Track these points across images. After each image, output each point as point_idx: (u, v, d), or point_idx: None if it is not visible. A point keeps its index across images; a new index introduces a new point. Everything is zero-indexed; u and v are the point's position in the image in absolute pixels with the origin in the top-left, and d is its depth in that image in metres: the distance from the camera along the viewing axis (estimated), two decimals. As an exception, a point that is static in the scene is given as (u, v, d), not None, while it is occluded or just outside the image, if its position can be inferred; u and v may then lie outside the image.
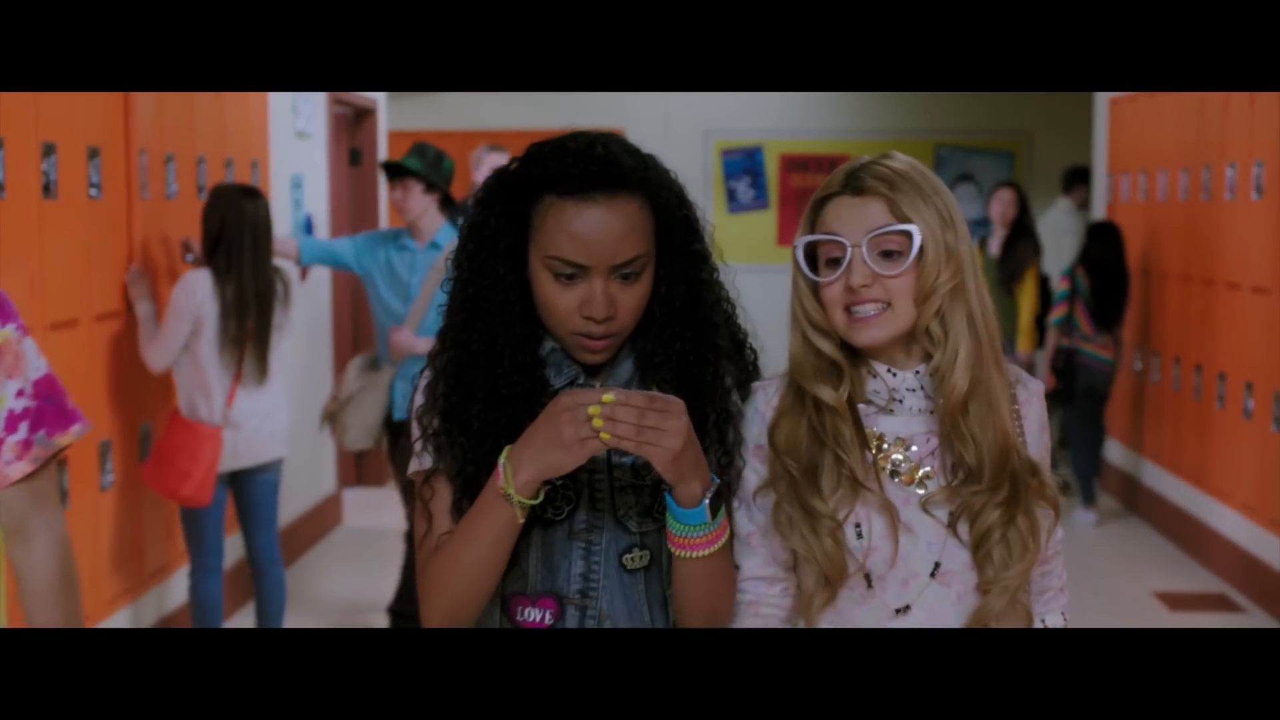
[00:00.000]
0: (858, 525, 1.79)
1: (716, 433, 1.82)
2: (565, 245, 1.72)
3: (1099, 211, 8.04)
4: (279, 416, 4.57)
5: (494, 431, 1.76)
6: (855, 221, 1.78)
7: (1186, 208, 6.68)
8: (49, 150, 3.94)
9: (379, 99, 7.82)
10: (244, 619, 5.14)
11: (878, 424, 1.83)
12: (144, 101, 4.63)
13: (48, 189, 3.94)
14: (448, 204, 5.05)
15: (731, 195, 10.50)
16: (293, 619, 4.97)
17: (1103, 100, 7.90)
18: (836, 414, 1.80)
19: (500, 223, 1.77)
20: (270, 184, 6.04)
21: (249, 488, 4.56)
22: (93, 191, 4.25)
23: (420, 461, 1.83)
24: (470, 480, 1.76)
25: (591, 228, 1.72)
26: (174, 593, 4.88)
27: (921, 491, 1.81)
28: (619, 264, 1.74)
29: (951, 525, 1.78)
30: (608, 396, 1.64)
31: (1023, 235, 7.36)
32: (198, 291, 4.28)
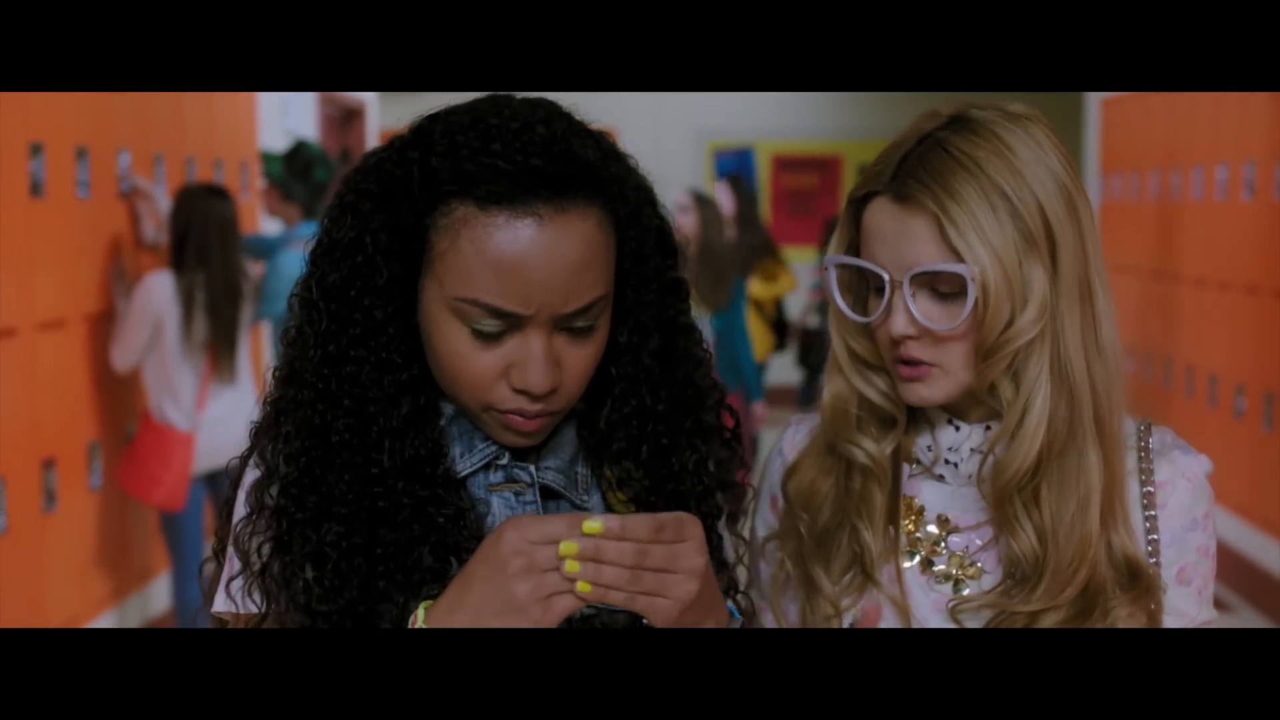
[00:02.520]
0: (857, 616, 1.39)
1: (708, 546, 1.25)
2: (489, 283, 1.14)
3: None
4: (250, 414, 4.48)
5: (364, 568, 1.17)
6: (897, 245, 1.28)
7: (1177, 207, 6.69)
8: (36, 150, 3.92)
9: (369, 99, 7.81)
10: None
11: (920, 491, 1.37)
12: (132, 101, 4.61)
13: (35, 189, 3.92)
14: (311, 215, 4.87)
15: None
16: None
17: (1094, 100, 7.91)
18: (871, 474, 1.36)
19: (382, 243, 1.17)
20: (260, 184, 6.04)
21: (224, 490, 4.53)
22: (80, 191, 4.23)
23: (237, 604, 1.22)
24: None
25: (532, 256, 1.14)
26: (161, 594, 4.87)
27: (952, 594, 1.34)
28: (570, 311, 1.16)
29: None
30: (591, 525, 1.07)
31: None
32: (156, 294, 4.20)
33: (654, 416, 1.25)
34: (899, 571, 1.36)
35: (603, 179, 1.17)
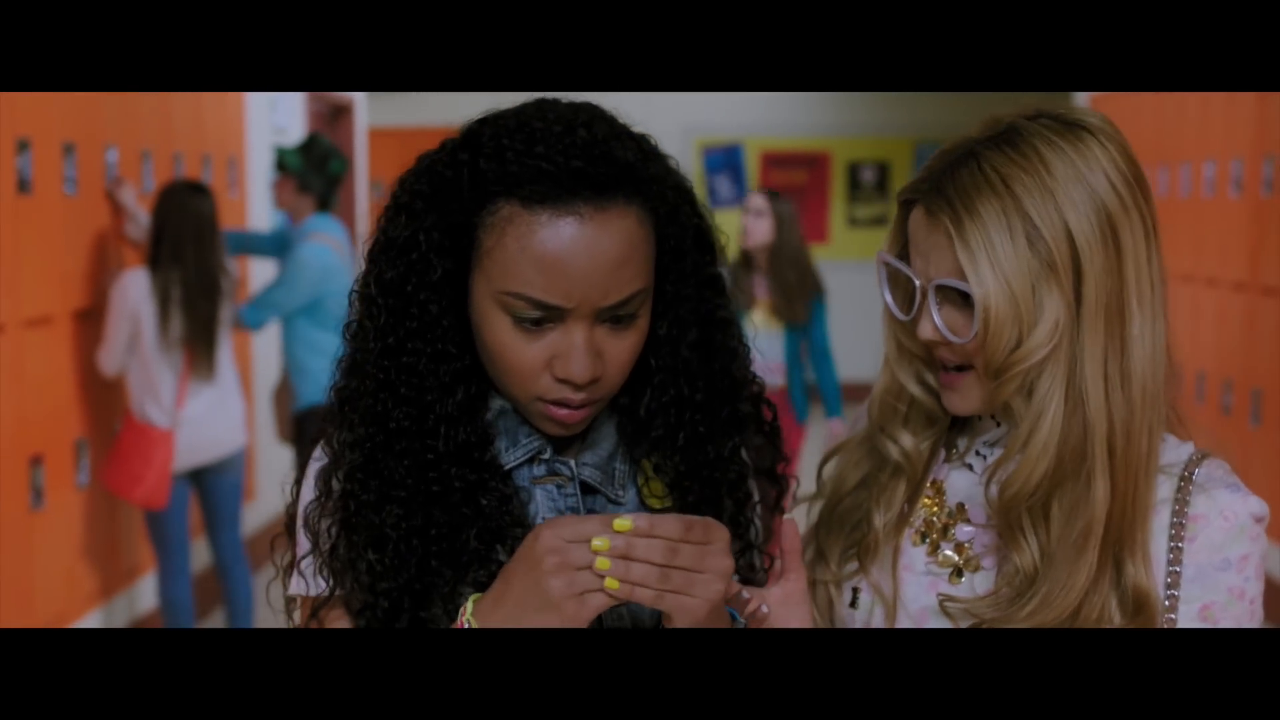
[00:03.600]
0: (856, 590, 1.42)
1: (737, 532, 1.34)
2: (533, 278, 1.20)
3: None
4: (232, 409, 4.48)
5: (420, 549, 1.25)
6: (925, 253, 1.31)
7: (1165, 204, 6.70)
8: (23, 146, 3.91)
9: (357, 96, 7.79)
10: (218, 621, 5.12)
11: (949, 476, 1.40)
12: (119, 98, 4.60)
13: (22, 185, 3.91)
14: (325, 207, 4.92)
15: (713, 192, 10.49)
16: (264, 621, 4.98)
17: (1083, 98, 7.92)
18: (901, 470, 1.39)
19: (435, 241, 1.24)
20: (247, 181, 6.02)
21: (210, 488, 4.53)
22: (67, 188, 4.22)
23: (307, 583, 1.29)
24: (385, 622, 1.25)
25: (573, 253, 1.19)
26: (149, 592, 4.86)
27: (948, 581, 1.37)
28: (611, 305, 1.22)
29: None
30: (622, 523, 1.12)
31: None
32: (132, 291, 4.19)
33: (691, 406, 1.31)
34: (899, 550, 1.38)
35: (642, 179, 1.24)
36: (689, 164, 10.21)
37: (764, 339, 5.04)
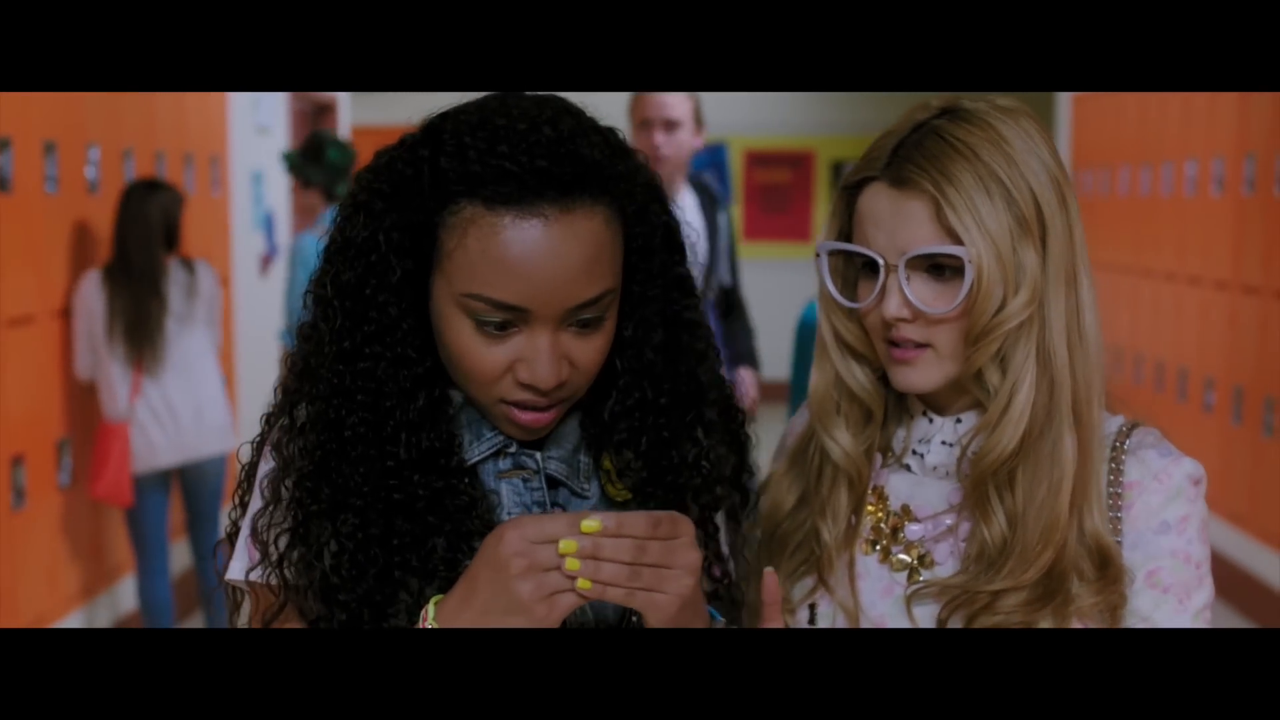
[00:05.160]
0: (813, 606, 1.39)
1: (702, 538, 1.29)
2: (495, 280, 1.16)
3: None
4: (215, 412, 4.44)
5: (380, 558, 1.20)
6: (892, 228, 1.29)
7: (1148, 203, 6.73)
8: (4, 145, 3.89)
9: (341, 95, 7.78)
10: (199, 622, 5.10)
11: (889, 481, 1.39)
12: (101, 96, 4.58)
13: (2, 184, 3.89)
14: (333, 199, 4.96)
15: (696, 190, 10.51)
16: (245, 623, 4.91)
17: (1065, 97, 7.95)
18: (842, 472, 1.38)
19: (394, 241, 1.20)
20: (230, 180, 6.00)
21: (189, 489, 4.50)
22: (49, 186, 4.20)
23: (253, 588, 1.26)
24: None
25: (538, 256, 1.16)
26: (131, 593, 4.84)
27: (908, 582, 1.35)
28: (577, 307, 1.18)
29: (942, 624, 1.31)
30: (590, 524, 1.09)
31: None
32: (84, 290, 4.24)
33: (655, 409, 1.27)
34: (852, 561, 1.37)
35: (609, 177, 1.19)
36: (673, 163, 10.22)
37: None
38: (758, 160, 10.56)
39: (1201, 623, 1.31)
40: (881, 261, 1.29)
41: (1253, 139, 5.44)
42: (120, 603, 4.79)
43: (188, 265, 4.38)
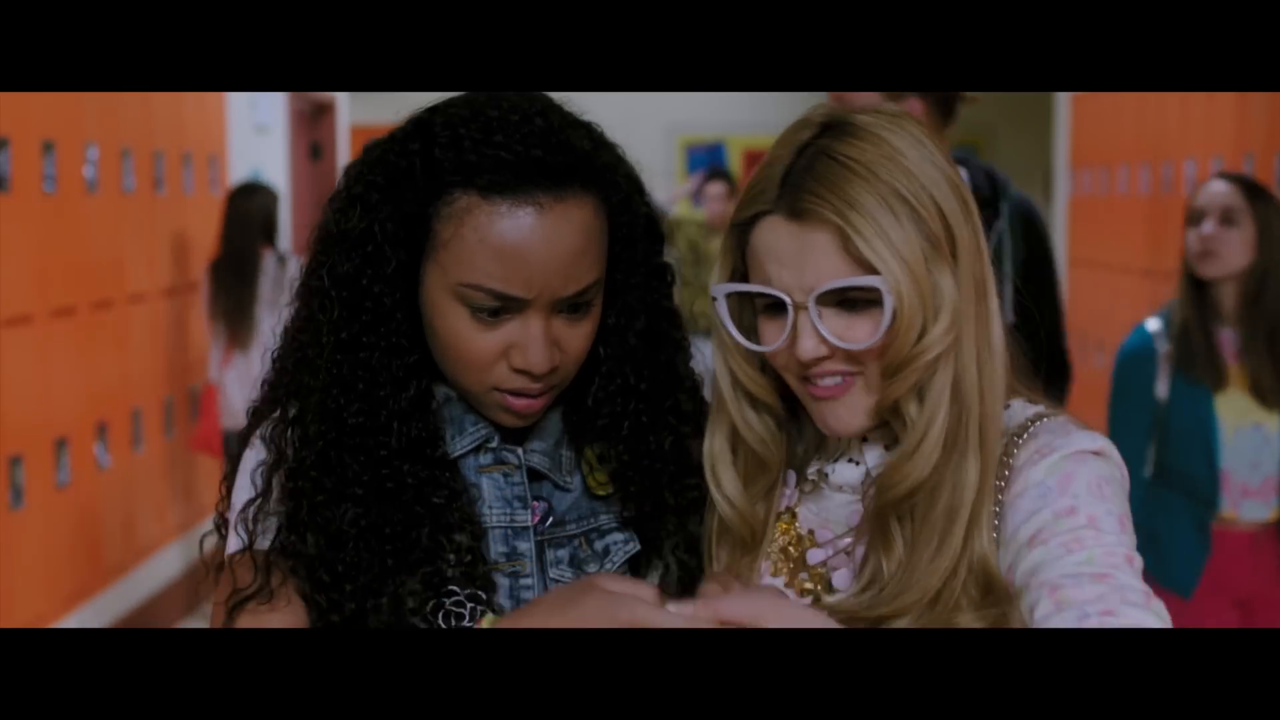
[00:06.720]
0: None
1: (677, 526, 1.33)
2: (492, 269, 1.19)
3: (1061, 205, 8.08)
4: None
5: (377, 547, 1.22)
6: (798, 265, 1.19)
7: (1147, 202, 6.73)
8: (2, 144, 3.89)
9: (339, 95, 7.77)
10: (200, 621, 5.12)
11: (801, 502, 1.32)
12: (99, 96, 4.57)
13: (1, 183, 3.89)
14: None
15: (696, 190, 10.52)
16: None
17: (1065, 97, 7.95)
18: (729, 530, 1.30)
19: (390, 232, 1.22)
20: (228, 179, 6.00)
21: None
22: (47, 186, 4.20)
23: (236, 577, 1.25)
24: (349, 622, 1.21)
25: (533, 243, 1.18)
26: (132, 591, 4.84)
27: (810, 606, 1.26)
28: (569, 295, 1.22)
29: None
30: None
31: None
32: (202, 280, 5.17)
33: (636, 395, 1.31)
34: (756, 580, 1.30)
35: (596, 168, 1.23)
36: (672, 162, 10.22)
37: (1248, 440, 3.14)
38: (756, 159, 10.56)
39: (1115, 573, 1.14)
40: (789, 301, 1.19)
41: (1251, 139, 5.44)
42: (120, 603, 4.80)
43: (281, 257, 5.08)
